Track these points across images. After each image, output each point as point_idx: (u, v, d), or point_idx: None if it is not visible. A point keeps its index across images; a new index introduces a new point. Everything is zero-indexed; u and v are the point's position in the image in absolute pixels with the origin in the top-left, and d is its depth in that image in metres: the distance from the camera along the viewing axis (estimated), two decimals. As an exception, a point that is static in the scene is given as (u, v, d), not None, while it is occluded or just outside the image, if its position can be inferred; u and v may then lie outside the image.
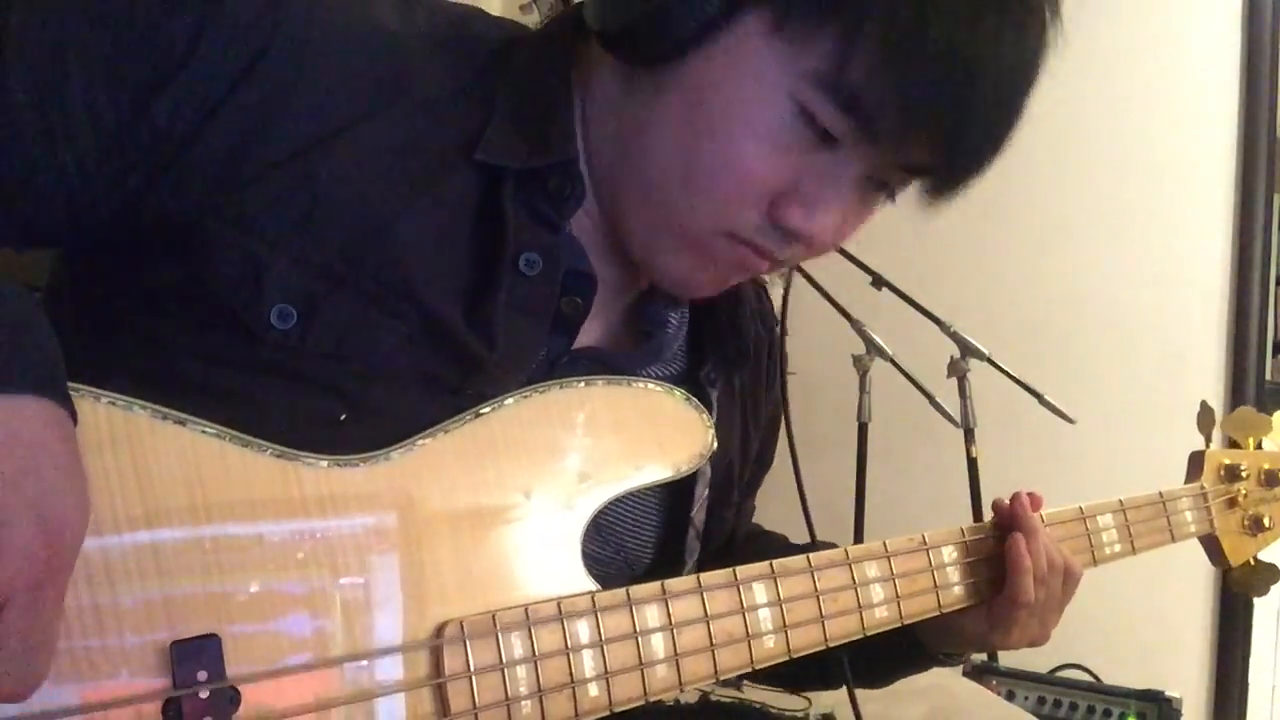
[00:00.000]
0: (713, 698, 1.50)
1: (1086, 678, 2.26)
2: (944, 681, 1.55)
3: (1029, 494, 0.94)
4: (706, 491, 0.89)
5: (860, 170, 0.72)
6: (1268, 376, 2.32)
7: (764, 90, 0.69)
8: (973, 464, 2.07)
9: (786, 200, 0.71)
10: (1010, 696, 2.10)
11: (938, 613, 0.88)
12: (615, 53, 0.72)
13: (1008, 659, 2.19)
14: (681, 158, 0.71)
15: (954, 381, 2.04)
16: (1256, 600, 2.28)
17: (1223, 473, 1.16)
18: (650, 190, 0.73)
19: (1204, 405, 1.17)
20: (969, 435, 2.07)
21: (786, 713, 1.44)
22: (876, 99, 0.67)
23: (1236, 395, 2.27)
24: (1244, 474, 1.15)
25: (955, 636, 0.94)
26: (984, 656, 2.20)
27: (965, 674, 2.12)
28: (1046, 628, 0.93)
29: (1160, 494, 1.08)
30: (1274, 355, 2.34)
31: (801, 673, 0.85)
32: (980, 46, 0.66)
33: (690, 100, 0.70)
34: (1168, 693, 2.04)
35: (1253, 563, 1.17)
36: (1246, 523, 1.16)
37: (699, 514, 0.88)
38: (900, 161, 0.72)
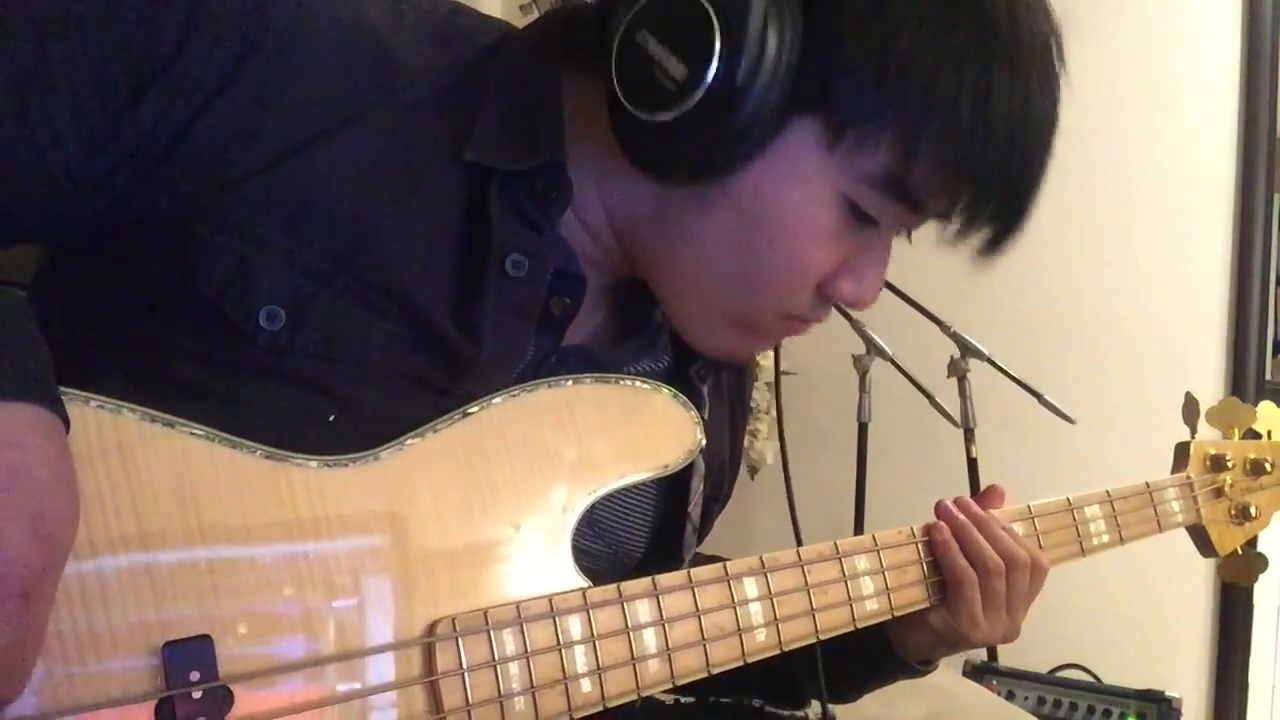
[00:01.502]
0: (710, 698, 1.50)
1: (1086, 678, 2.26)
2: (944, 681, 1.55)
3: (989, 487, 0.95)
4: (701, 486, 0.89)
5: (897, 231, 0.77)
6: (1268, 376, 2.32)
7: (818, 195, 0.71)
8: (973, 464, 2.07)
9: (837, 277, 0.75)
10: (1010, 696, 2.10)
11: (927, 605, 0.88)
12: (649, 172, 0.71)
13: (1008, 659, 2.19)
14: (740, 264, 0.73)
15: (954, 381, 2.04)
16: (1256, 600, 2.28)
17: (1208, 463, 1.15)
18: (704, 288, 0.75)
19: (1189, 396, 1.16)
20: (969, 435, 2.07)
21: (785, 713, 1.44)
22: (934, 191, 0.71)
23: (1236, 395, 2.27)
24: (1229, 464, 1.15)
25: (924, 634, 0.91)
26: (984, 656, 2.20)
27: (965, 674, 2.12)
28: (1015, 624, 0.91)
29: (1147, 484, 1.08)
30: (1274, 355, 2.34)
31: (772, 689, 0.84)
32: (1032, 126, 0.71)
33: (743, 212, 0.71)
34: (1168, 693, 2.03)
35: (1240, 551, 1.17)
36: (1233, 512, 1.15)
37: (695, 509, 0.88)
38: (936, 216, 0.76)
